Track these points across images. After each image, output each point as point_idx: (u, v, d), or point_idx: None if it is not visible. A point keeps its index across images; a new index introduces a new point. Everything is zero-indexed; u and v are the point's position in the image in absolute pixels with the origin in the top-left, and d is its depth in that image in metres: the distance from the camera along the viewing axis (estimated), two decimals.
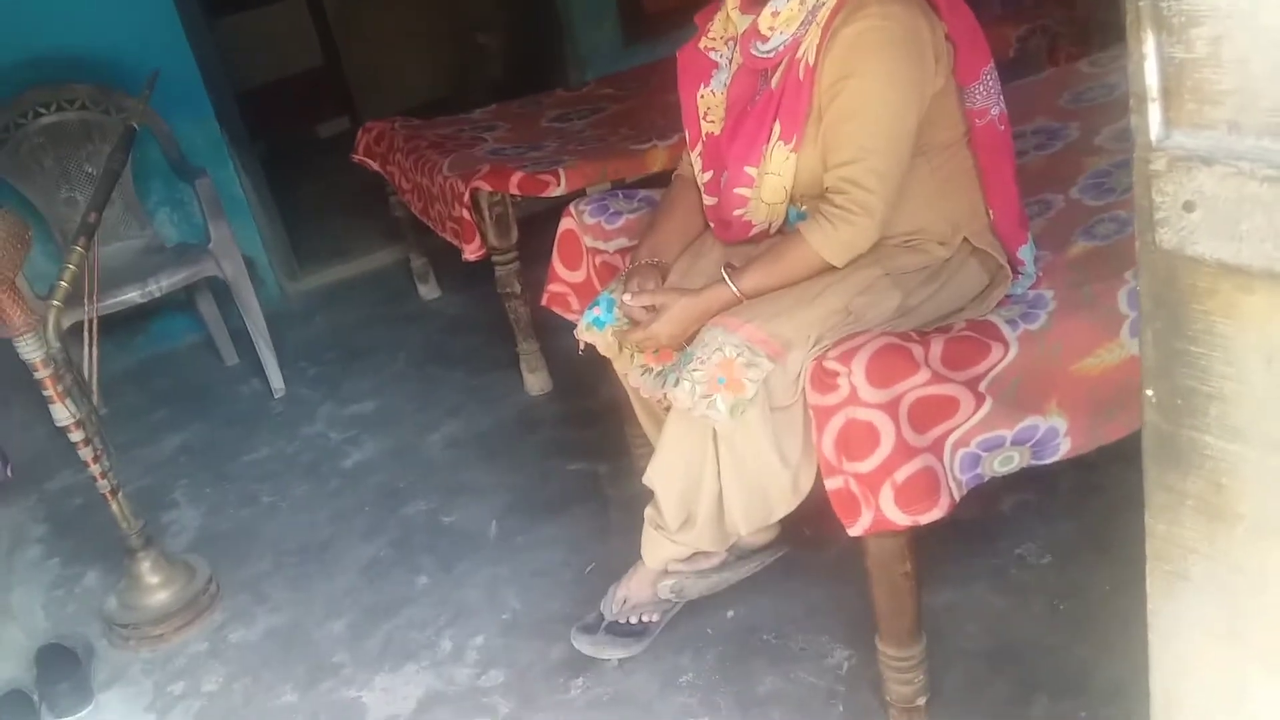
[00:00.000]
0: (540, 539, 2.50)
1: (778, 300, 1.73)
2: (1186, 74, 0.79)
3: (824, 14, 1.68)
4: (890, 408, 1.58)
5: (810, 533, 2.18)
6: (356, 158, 3.66)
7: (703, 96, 1.91)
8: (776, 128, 1.74)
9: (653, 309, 1.83)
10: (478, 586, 2.40)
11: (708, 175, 1.91)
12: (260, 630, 2.42)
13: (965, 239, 1.83)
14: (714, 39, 1.92)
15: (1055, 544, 2.15)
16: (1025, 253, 1.87)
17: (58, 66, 3.42)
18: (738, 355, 1.66)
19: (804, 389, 1.67)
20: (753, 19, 1.78)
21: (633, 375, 1.96)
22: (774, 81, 1.76)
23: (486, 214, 2.87)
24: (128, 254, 3.43)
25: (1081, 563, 2.08)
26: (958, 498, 1.66)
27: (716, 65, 1.90)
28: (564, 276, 2.31)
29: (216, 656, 2.37)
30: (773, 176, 1.77)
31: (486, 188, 2.85)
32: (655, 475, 1.90)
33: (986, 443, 1.66)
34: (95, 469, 2.37)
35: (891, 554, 1.72)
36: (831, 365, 1.61)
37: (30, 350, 2.24)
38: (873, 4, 1.65)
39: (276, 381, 3.43)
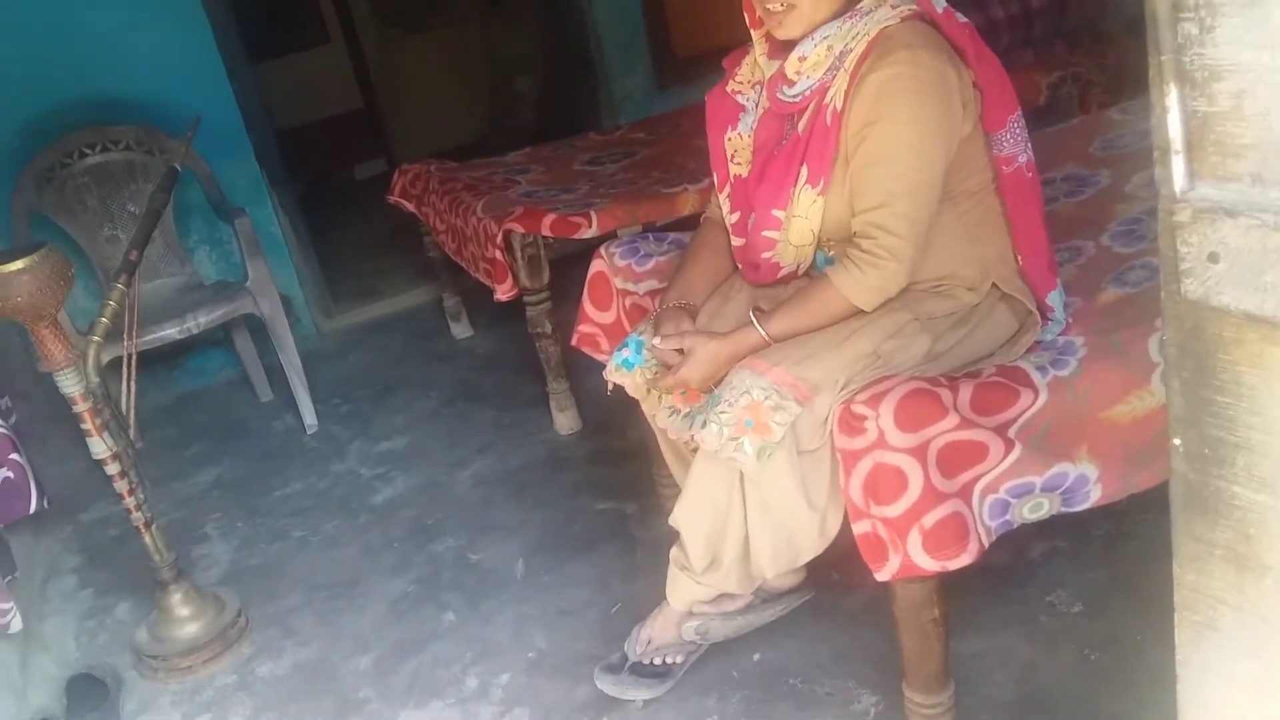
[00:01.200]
0: (567, 578, 2.50)
1: (806, 344, 1.74)
2: (1210, 127, 0.80)
3: (851, 60, 1.70)
4: (919, 452, 1.58)
5: (838, 577, 2.17)
6: (392, 199, 3.71)
7: (730, 139, 1.94)
8: (804, 171, 1.75)
9: (682, 352, 1.85)
10: (504, 625, 2.40)
11: (735, 217, 1.93)
12: (288, 664, 2.43)
13: (994, 285, 1.83)
14: (741, 83, 1.94)
15: (1086, 592, 2.12)
16: (1054, 299, 1.88)
17: (104, 109, 3.51)
18: (765, 398, 1.66)
19: (832, 432, 1.67)
20: (779, 64, 1.80)
21: (660, 416, 1.97)
22: (801, 125, 1.78)
23: (519, 255, 2.90)
24: (167, 291, 3.49)
25: (1113, 612, 2.05)
26: (986, 544, 1.65)
27: (743, 108, 1.93)
28: (594, 317, 2.34)
29: (244, 689, 2.38)
30: (800, 219, 1.79)
31: (519, 229, 2.88)
32: (681, 516, 1.90)
33: (1016, 489, 1.66)
34: (130, 501, 2.40)
35: (920, 599, 1.71)
36: (860, 409, 1.62)
37: (70, 384, 2.28)
38: (900, 50, 1.66)
39: (309, 418, 3.47)
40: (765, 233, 1.84)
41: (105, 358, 2.42)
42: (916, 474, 1.58)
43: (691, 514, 1.88)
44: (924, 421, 1.60)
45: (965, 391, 1.65)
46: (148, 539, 2.45)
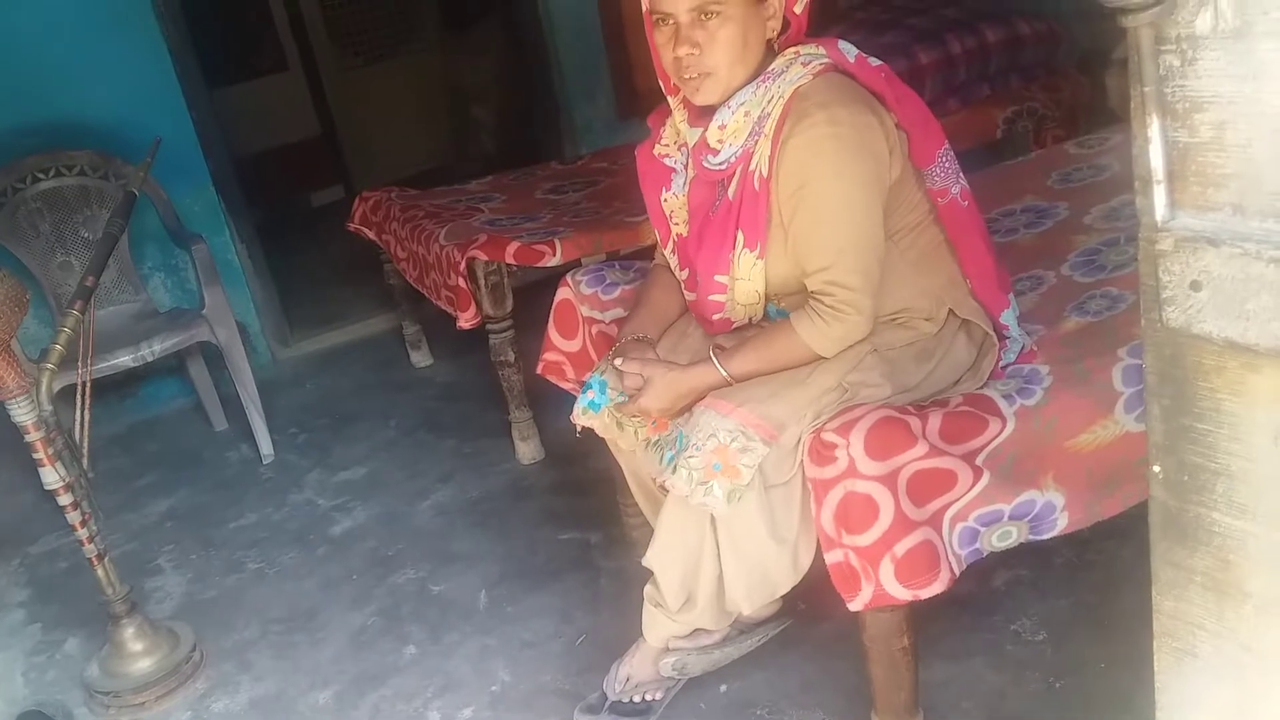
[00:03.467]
0: (531, 609, 2.48)
1: (769, 381, 1.74)
2: (1191, 158, 0.81)
3: (770, 125, 1.69)
4: (889, 480, 1.58)
5: (805, 606, 2.16)
6: (352, 226, 3.68)
7: (666, 200, 1.93)
8: (740, 236, 1.75)
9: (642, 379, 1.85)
10: (467, 657, 2.36)
11: (685, 274, 1.93)
12: (244, 700, 2.38)
13: (951, 312, 1.84)
14: (667, 145, 1.93)
15: (1050, 620, 2.14)
16: (1008, 317, 1.89)
17: (59, 133, 3.45)
18: (732, 440, 1.66)
19: (802, 462, 1.67)
20: (701, 132, 1.79)
21: (638, 452, 1.97)
22: (731, 191, 1.77)
23: (482, 283, 2.89)
24: (121, 318, 3.42)
25: (1077, 639, 2.07)
26: (957, 572, 1.66)
27: (673, 170, 1.92)
28: (560, 345, 2.32)
29: None
30: (743, 282, 1.79)
31: (483, 257, 2.87)
32: (654, 558, 1.89)
33: (984, 517, 1.67)
34: (83, 533, 2.34)
35: (889, 628, 1.72)
36: (830, 437, 1.62)
37: (22, 413, 2.23)
38: (816, 110, 1.64)
39: (266, 447, 3.42)
40: (711, 297, 1.84)
41: (57, 386, 2.36)
42: (888, 502, 1.58)
43: (664, 555, 1.87)
44: (893, 450, 1.61)
45: (935, 420, 1.66)
46: (100, 571, 2.39)
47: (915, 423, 1.65)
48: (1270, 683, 0.90)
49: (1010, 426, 1.69)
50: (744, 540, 1.74)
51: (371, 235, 3.58)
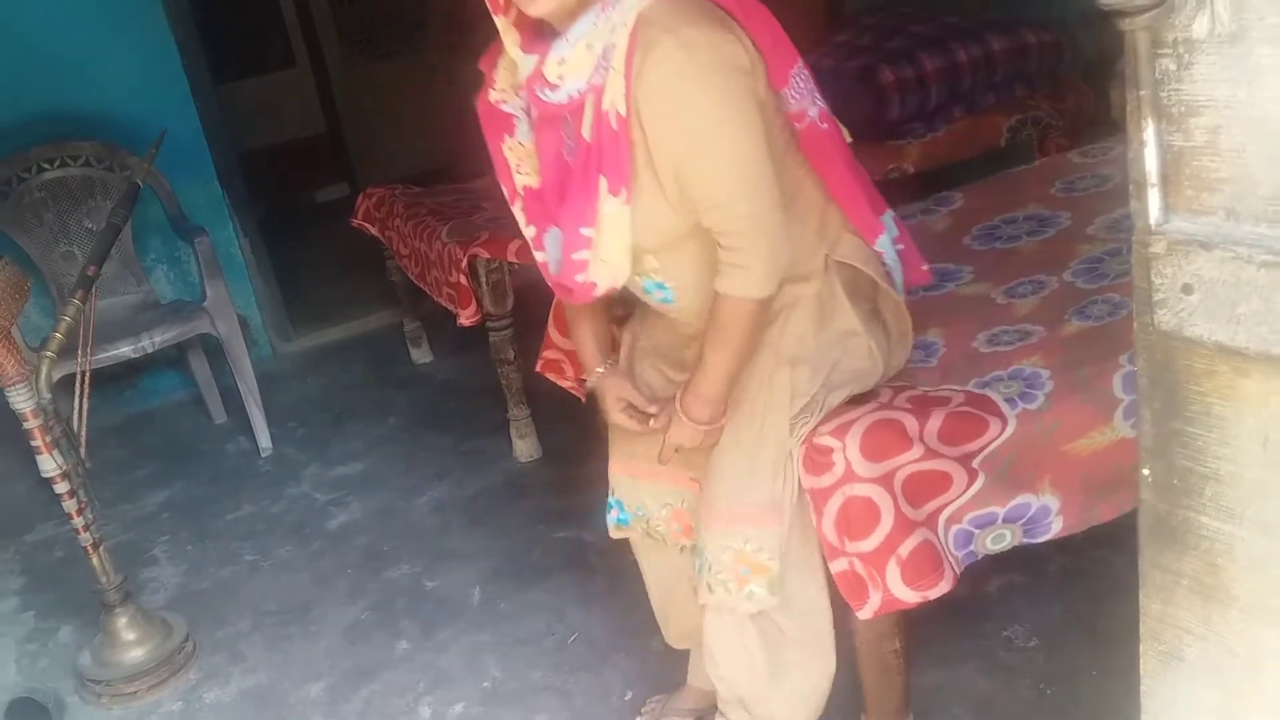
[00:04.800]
0: (524, 606, 2.48)
1: (731, 463, 1.67)
2: (1185, 161, 0.82)
3: (618, 58, 1.50)
4: (885, 482, 1.59)
5: None
6: (356, 222, 3.69)
7: (510, 149, 1.72)
8: (603, 182, 1.55)
9: (640, 414, 1.79)
10: (459, 653, 2.37)
11: (532, 231, 1.72)
12: (235, 691, 2.38)
13: (827, 258, 1.71)
14: (503, 90, 1.71)
15: (1043, 627, 2.14)
16: (883, 243, 1.77)
17: (65, 123, 3.46)
18: (745, 544, 1.65)
19: (799, 477, 1.66)
20: (537, 61, 1.58)
21: (677, 557, 1.92)
22: (586, 132, 1.57)
23: (484, 280, 2.89)
24: (122, 309, 3.43)
25: (1069, 647, 2.07)
26: (958, 573, 1.66)
27: (514, 116, 1.71)
28: (559, 344, 2.32)
29: (189, 717, 2.32)
30: (610, 234, 1.59)
31: (484, 254, 2.87)
32: (719, 670, 1.82)
33: (979, 519, 1.67)
34: (79, 521, 2.35)
35: (881, 631, 1.72)
36: (825, 441, 1.62)
37: (21, 400, 2.23)
38: (665, 38, 1.47)
39: (264, 441, 3.42)
40: (575, 255, 1.64)
41: (57, 375, 2.37)
42: (887, 504, 1.58)
43: (724, 666, 1.81)
44: (888, 452, 1.61)
45: (934, 421, 1.66)
46: (95, 560, 2.39)
47: (912, 424, 1.65)
48: (1255, 688, 0.90)
49: (1011, 428, 1.69)
50: (803, 606, 1.72)
51: (374, 231, 3.58)
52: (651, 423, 1.78)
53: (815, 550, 1.70)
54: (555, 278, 1.71)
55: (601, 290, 1.67)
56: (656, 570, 2.00)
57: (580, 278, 1.65)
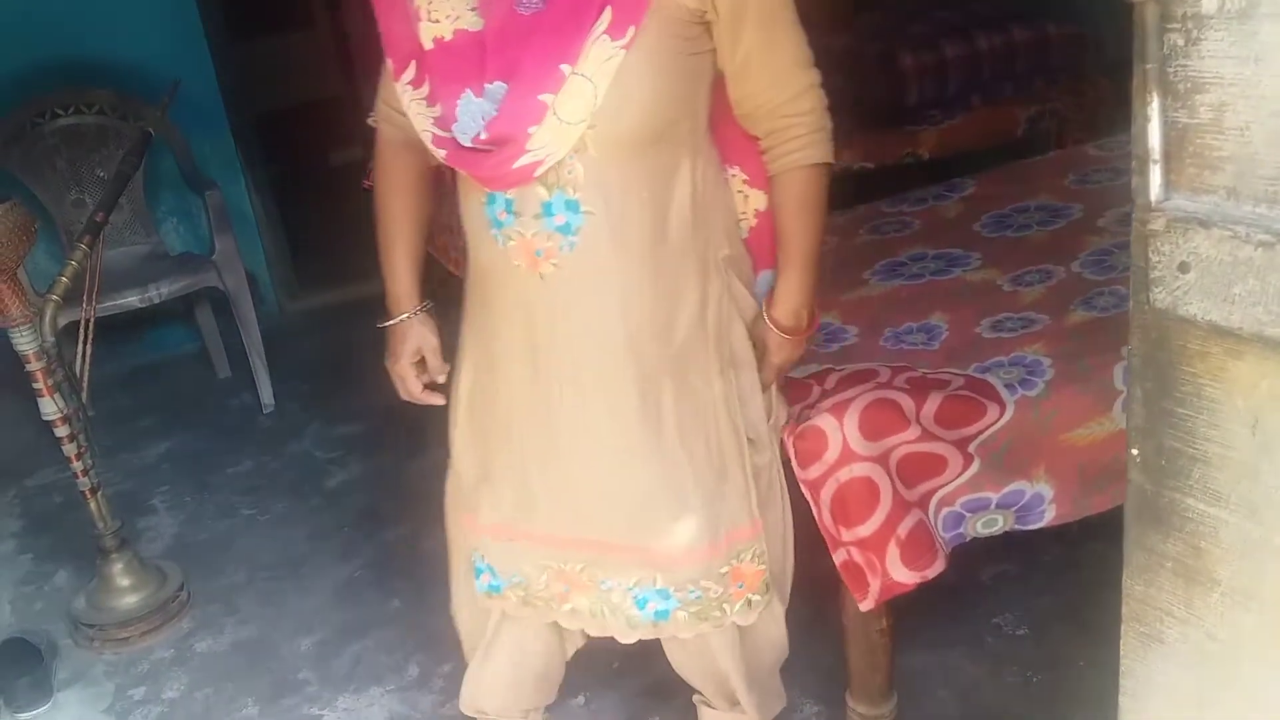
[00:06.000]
0: None
1: (691, 491, 1.49)
2: (1189, 139, 0.81)
3: None
4: (882, 460, 1.59)
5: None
6: (367, 184, 3.68)
7: None
8: (607, 15, 1.25)
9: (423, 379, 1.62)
10: (450, 615, 2.37)
11: (437, 110, 1.34)
12: (227, 642, 2.40)
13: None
14: None
15: (1033, 616, 2.14)
16: (766, 281, 1.56)
17: (81, 71, 3.46)
18: (736, 560, 1.55)
19: (785, 463, 1.63)
20: None
21: (579, 619, 1.64)
22: None
23: None
24: (131, 259, 3.44)
25: (1057, 637, 2.07)
26: (946, 554, 1.66)
27: None
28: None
29: (181, 664, 2.34)
30: (582, 81, 1.27)
31: None
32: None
33: (971, 503, 1.67)
34: (77, 466, 2.36)
35: (869, 611, 1.72)
36: (817, 422, 1.61)
37: (25, 342, 2.24)
38: None
39: (267, 397, 3.43)
40: (540, 96, 1.28)
41: (63, 321, 2.37)
42: (885, 484, 1.58)
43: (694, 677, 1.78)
44: (886, 431, 1.61)
45: (932, 402, 1.65)
46: (93, 505, 2.41)
47: (909, 405, 1.65)
48: (1233, 672, 0.90)
49: (1009, 414, 1.68)
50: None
51: None
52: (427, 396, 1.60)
53: (781, 495, 1.61)
54: (472, 155, 1.33)
55: (543, 170, 1.32)
56: (520, 643, 1.76)
57: (522, 161, 1.30)
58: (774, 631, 1.71)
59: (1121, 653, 0.99)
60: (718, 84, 1.40)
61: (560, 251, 1.36)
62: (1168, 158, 0.82)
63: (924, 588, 1.65)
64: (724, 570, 1.55)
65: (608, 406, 1.45)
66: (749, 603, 1.59)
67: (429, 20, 1.33)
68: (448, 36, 1.32)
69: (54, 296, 2.26)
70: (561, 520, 1.55)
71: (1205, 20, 0.77)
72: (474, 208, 1.42)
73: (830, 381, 1.77)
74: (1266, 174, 0.77)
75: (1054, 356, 1.80)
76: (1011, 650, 2.07)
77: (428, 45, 1.34)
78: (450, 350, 1.62)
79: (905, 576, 1.61)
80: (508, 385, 1.51)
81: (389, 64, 1.42)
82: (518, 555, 1.61)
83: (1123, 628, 0.99)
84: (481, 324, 1.53)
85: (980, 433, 1.66)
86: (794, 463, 1.64)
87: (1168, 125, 0.82)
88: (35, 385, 2.28)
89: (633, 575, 1.55)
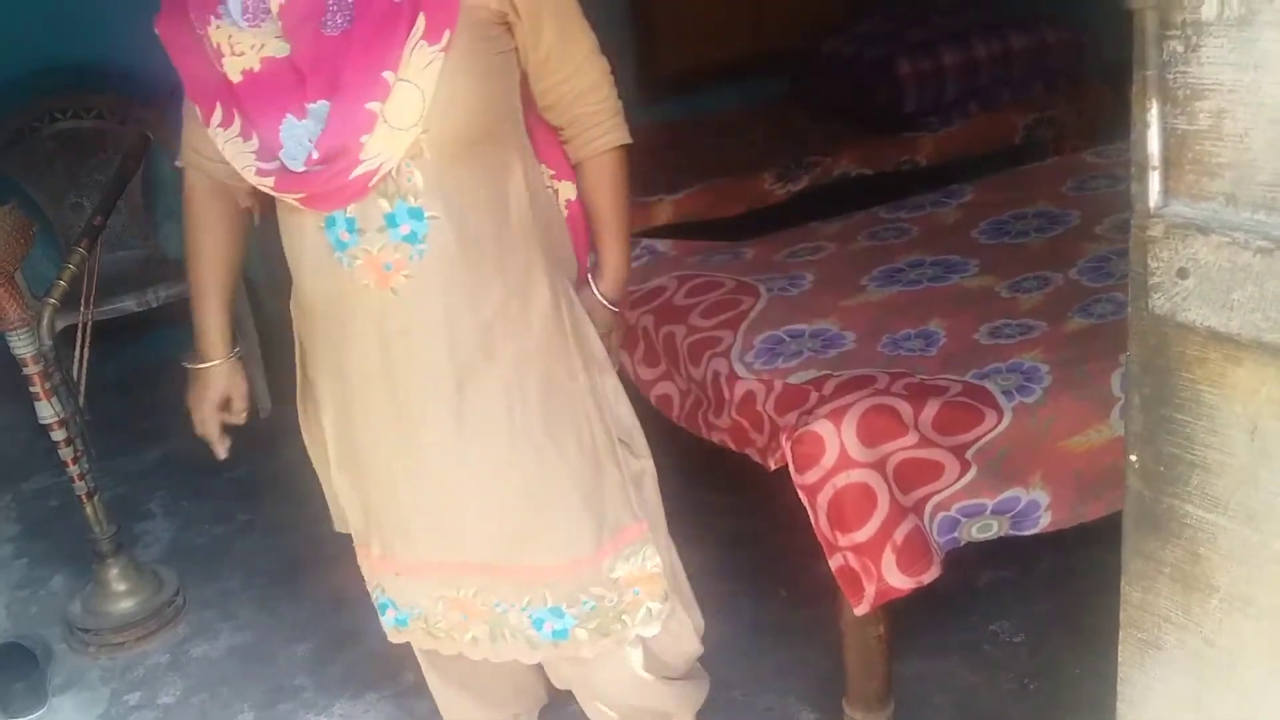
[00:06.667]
0: None
1: (571, 499, 1.52)
2: (1188, 145, 0.81)
3: None
4: (879, 466, 1.59)
5: (785, 594, 2.17)
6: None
7: (218, 30, 1.35)
8: (421, 22, 1.29)
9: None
10: None
11: (254, 142, 1.36)
12: (223, 647, 2.39)
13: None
14: None
15: (1029, 623, 2.14)
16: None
17: (80, 74, 3.45)
18: (627, 563, 1.56)
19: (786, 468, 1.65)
20: None
21: (484, 645, 1.65)
22: None
23: None
24: (129, 263, 3.43)
25: (1054, 644, 2.07)
26: (940, 559, 1.66)
27: None
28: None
29: (176, 670, 2.33)
30: (408, 87, 1.30)
31: None
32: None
33: (967, 509, 1.67)
34: (74, 470, 2.36)
35: (866, 617, 1.72)
36: (815, 428, 1.61)
37: (22, 345, 2.24)
38: None
39: (264, 402, 3.42)
40: (367, 105, 1.29)
41: (60, 324, 2.38)
42: (883, 490, 1.58)
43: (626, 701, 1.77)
44: (883, 437, 1.61)
45: (929, 409, 1.66)
46: (89, 509, 2.40)
47: (907, 411, 1.65)
48: (1230, 678, 0.90)
49: (1006, 421, 1.69)
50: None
51: None
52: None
53: (658, 500, 1.64)
54: (304, 177, 1.33)
55: (378, 179, 1.33)
56: (475, 668, 1.73)
57: (357, 172, 1.32)
58: (685, 644, 1.73)
59: (1119, 659, 0.99)
60: (522, 83, 1.46)
61: (411, 261, 1.39)
62: (1167, 164, 0.83)
63: (921, 594, 1.65)
64: (615, 575, 1.56)
65: (470, 412, 1.46)
66: (650, 611, 1.59)
67: (233, 55, 1.34)
68: (256, 67, 1.34)
69: (52, 300, 2.25)
70: (440, 545, 1.56)
71: (1205, 27, 0.78)
72: (309, 236, 1.43)
73: (828, 387, 1.77)
74: (1265, 180, 0.77)
75: (1052, 363, 1.81)
76: (1008, 657, 2.07)
77: (236, 79, 1.35)
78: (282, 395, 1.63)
79: (901, 581, 1.61)
80: (366, 412, 1.52)
81: (196, 110, 1.42)
82: (411, 588, 1.63)
83: (1120, 634, 0.99)
84: (331, 360, 1.56)
85: (978, 439, 1.66)
86: (791, 468, 1.64)
87: (1167, 131, 0.82)
88: (32, 389, 2.27)
89: (523, 595, 1.57)
